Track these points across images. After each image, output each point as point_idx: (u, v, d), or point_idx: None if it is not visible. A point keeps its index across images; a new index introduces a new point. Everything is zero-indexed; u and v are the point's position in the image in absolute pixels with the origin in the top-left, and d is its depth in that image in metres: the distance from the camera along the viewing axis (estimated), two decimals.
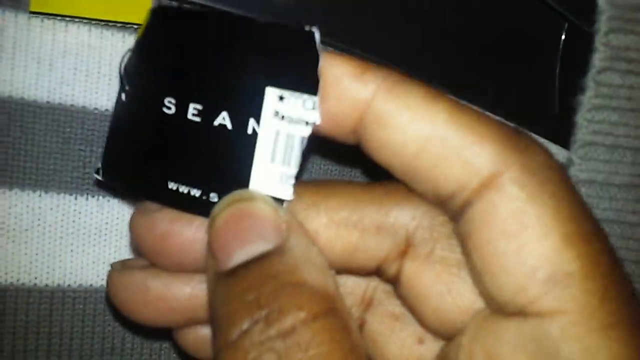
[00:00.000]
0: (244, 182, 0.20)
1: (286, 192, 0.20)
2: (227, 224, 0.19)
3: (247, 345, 0.17)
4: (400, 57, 0.34)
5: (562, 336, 0.17)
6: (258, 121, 0.20)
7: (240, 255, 0.19)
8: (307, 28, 0.20)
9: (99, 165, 0.23)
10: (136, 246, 0.23)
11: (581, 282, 0.17)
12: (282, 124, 0.20)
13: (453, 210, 0.20)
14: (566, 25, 0.36)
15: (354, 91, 0.19)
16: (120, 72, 0.23)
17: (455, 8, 0.35)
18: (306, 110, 0.20)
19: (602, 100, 0.33)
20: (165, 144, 0.22)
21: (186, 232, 0.21)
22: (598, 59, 0.33)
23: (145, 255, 0.22)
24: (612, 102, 0.33)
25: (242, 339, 0.17)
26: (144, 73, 0.23)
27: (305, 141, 0.20)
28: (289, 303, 0.18)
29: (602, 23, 0.33)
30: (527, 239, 0.18)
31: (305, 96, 0.20)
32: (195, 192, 0.21)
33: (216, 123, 0.21)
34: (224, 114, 0.20)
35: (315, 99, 0.19)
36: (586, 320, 0.17)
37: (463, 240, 0.20)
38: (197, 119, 0.21)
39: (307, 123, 0.20)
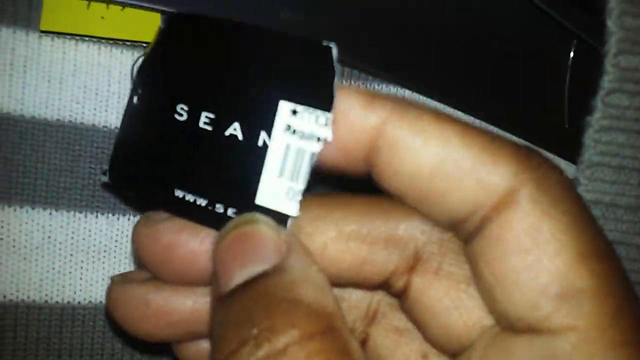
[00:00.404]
0: (250, 194, 0.20)
1: (292, 208, 0.20)
2: (228, 247, 0.19)
3: None
4: (409, 73, 0.34)
5: (573, 353, 0.17)
6: (269, 134, 0.20)
7: (239, 276, 0.19)
8: (324, 43, 0.19)
9: (106, 167, 0.23)
10: (139, 257, 0.22)
11: (594, 300, 0.17)
12: (293, 138, 0.20)
13: (466, 231, 0.20)
14: (575, 42, 0.36)
15: (364, 120, 0.19)
16: (132, 75, 0.22)
17: (464, 23, 0.35)
18: (319, 126, 0.19)
19: (610, 121, 0.33)
20: (175, 151, 0.22)
21: (191, 244, 0.21)
22: (607, 81, 0.33)
23: (148, 266, 0.22)
24: (620, 123, 0.33)
25: None
26: (157, 77, 0.22)
27: (315, 157, 0.20)
28: (281, 321, 0.17)
29: (612, 45, 0.33)
30: (540, 255, 0.18)
31: (319, 112, 0.19)
32: (201, 202, 0.21)
33: (227, 133, 0.20)
34: (236, 124, 0.20)
35: (329, 115, 0.19)
36: (598, 338, 0.17)
37: (474, 257, 0.20)
38: (209, 128, 0.21)
39: (318, 139, 0.19)
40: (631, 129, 0.33)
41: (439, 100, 0.35)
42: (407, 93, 0.35)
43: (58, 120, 0.30)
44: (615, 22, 0.33)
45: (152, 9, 0.30)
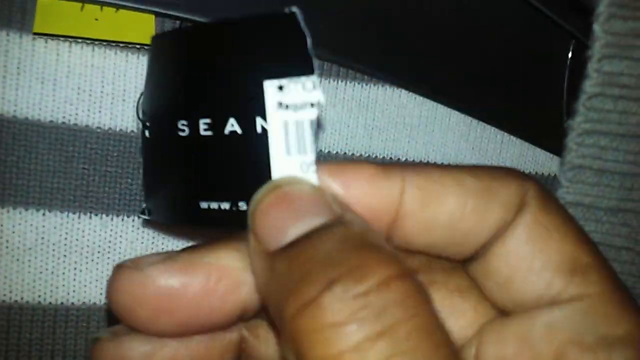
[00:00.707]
0: (266, 182, 0.20)
1: (311, 178, 0.19)
2: (274, 204, 0.18)
3: (331, 302, 0.16)
4: (406, 73, 0.35)
5: (590, 313, 0.20)
6: (264, 118, 0.20)
7: (296, 229, 0.18)
8: (286, 10, 0.19)
9: (144, 205, 0.23)
10: (125, 309, 0.19)
11: (597, 272, 0.20)
12: (288, 113, 0.19)
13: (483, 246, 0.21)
14: (573, 42, 0.37)
15: (388, 187, 0.20)
16: (137, 113, 0.23)
17: (462, 22, 0.36)
18: (308, 92, 0.19)
19: (591, 125, 0.34)
20: (188, 167, 0.22)
21: (200, 283, 0.19)
22: (589, 85, 0.34)
23: (141, 318, 0.19)
24: (603, 126, 0.34)
25: (323, 297, 0.16)
26: (156, 105, 0.23)
27: (315, 123, 0.19)
28: (371, 260, 0.16)
29: (596, 50, 0.34)
30: (549, 241, 0.20)
31: (303, 78, 0.19)
32: (225, 205, 0.21)
33: (227, 131, 0.20)
34: (232, 120, 0.20)
35: (314, 78, 0.19)
36: (607, 300, 0.20)
37: (485, 257, 0.21)
38: (210, 133, 0.21)
39: (312, 105, 0.19)
40: (615, 133, 0.34)
41: (440, 101, 0.36)
42: (403, 92, 0.35)
43: (51, 121, 0.30)
44: (602, 27, 0.33)
45: (146, 11, 0.30)
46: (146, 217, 0.23)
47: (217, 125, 0.21)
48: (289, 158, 0.20)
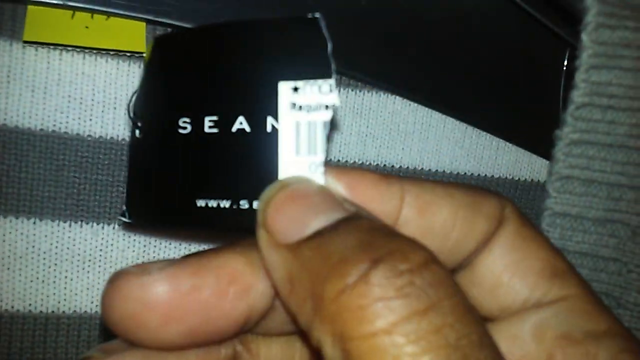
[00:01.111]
0: (272, 181, 0.20)
1: (318, 179, 0.20)
2: (289, 200, 0.19)
3: (379, 278, 0.16)
4: (404, 81, 0.35)
5: (573, 311, 0.21)
6: (276, 117, 0.20)
7: (318, 221, 0.18)
8: (310, 16, 0.20)
9: (124, 208, 0.22)
10: (133, 317, 0.18)
11: (572, 275, 0.22)
12: (301, 114, 0.20)
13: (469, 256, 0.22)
14: (568, 51, 0.38)
15: (389, 192, 0.21)
16: (129, 113, 0.23)
17: (459, 32, 0.36)
18: (324, 94, 0.20)
19: (580, 135, 0.34)
20: (187, 164, 0.22)
21: (211, 286, 0.19)
22: (577, 95, 0.34)
23: (148, 326, 0.18)
24: (590, 136, 0.34)
25: (371, 274, 0.16)
26: (153, 103, 0.23)
27: (328, 125, 0.20)
28: (407, 245, 0.17)
29: (584, 60, 0.34)
30: (528, 250, 0.22)
31: (320, 81, 0.20)
32: (225, 204, 0.21)
33: (234, 129, 0.21)
34: (241, 118, 0.21)
35: (331, 81, 0.20)
36: (586, 299, 0.22)
37: (471, 267, 0.22)
38: (215, 130, 0.21)
39: (327, 107, 0.20)
40: (602, 143, 0.34)
41: (435, 108, 0.36)
42: (397, 99, 0.35)
43: (42, 130, 0.29)
44: (590, 36, 0.33)
45: (137, 18, 0.29)
46: (126, 219, 0.22)
47: (225, 123, 0.21)
48: (298, 158, 0.20)
